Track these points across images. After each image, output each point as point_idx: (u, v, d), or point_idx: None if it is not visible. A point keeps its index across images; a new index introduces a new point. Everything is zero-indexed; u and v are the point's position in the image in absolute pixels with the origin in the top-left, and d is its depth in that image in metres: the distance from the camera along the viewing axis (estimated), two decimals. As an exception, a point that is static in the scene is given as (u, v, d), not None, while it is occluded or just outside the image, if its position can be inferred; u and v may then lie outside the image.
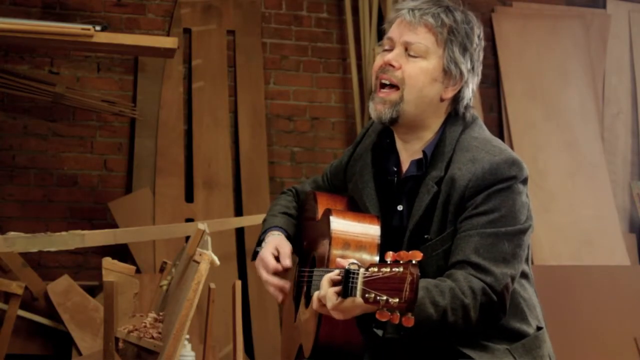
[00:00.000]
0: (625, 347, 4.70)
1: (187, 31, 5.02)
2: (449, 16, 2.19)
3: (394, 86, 2.20)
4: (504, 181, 2.12)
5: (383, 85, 2.21)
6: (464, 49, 2.20)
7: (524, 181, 2.17)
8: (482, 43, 2.27)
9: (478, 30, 2.24)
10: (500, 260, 2.09)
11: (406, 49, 2.19)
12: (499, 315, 2.12)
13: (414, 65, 2.18)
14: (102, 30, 3.97)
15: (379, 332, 2.07)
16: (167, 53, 4.10)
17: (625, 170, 5.58)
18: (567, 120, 5.37)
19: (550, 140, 5.32)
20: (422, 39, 2.18)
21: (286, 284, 2.33)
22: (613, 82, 5.61)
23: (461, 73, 2.20)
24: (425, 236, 2.17)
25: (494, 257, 2.09)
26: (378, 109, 2.21)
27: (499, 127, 5.35)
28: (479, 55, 2.26)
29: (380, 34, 5.10)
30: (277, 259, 2.32)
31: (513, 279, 2.12)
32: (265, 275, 2.32)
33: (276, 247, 2.34)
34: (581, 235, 5.19)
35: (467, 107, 2.25)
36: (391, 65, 2.19)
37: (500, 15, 5.47)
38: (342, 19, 5.24)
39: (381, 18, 5.06)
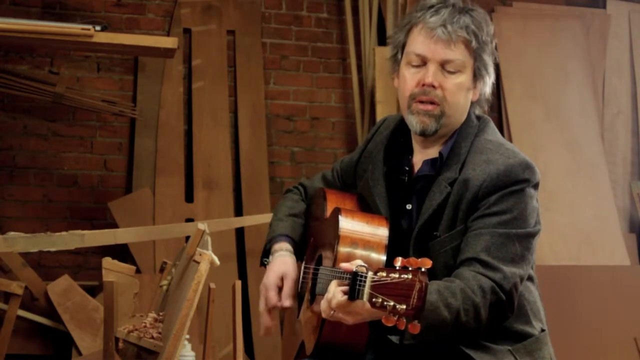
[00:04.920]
0: (625, 347, 4.70)
1: (187, 31, 5.02)
2: (475, 23, 2.21)
3: (434, 103, 2.21)
4: (517, 183, 2.15)
5: (422, 101, 2.22)
6: (490, 51, 2.26)
7: (536, 186, 2.19)
8: None
9: (491, 24, 2.28)
10: (509, 260, 2.11)
11: (442, 65, 2.20)
12: (507, 315, 2.13)
13: (452, 83, 2.20)
14: (102, 30, 3.97)
15: (394, 339, 2.07)
16: (167, 53, 4.10)
17: (625, 170, 5.58)
18: (567, 120, 5.37)
19: (550, 140, 5.31)
20: (458, 54, 2.20)
21: (275, 327, 2.36)
22: (613, 82, 5.60)
23: (488, 74, 2.27)
24: (434, 233, 2.18)
25: (504, 257, 2.10)
26: (424, 121, 2.21)
27: (499, 127, 5.26)
28: None
29: (380, 34, 5.13)
30: (281, 288, 2.32)
31: (521, 279, 2.13)
32: (262, 308, 2.35)
33: (282, 276, 2.33)
34: (581, 235, 5.18)
35: (487, 101, 2.30)
36: (432, 86, 2.20)
37: (500, 15, 5.47)
38: (342, 19, 5.24)
39: (381, 18, 5.06)
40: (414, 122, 2.22)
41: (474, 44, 2.20)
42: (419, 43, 2.22)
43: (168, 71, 4.92)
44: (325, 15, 5.26)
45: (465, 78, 2.22)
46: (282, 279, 2.33)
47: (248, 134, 5.02)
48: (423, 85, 2.20)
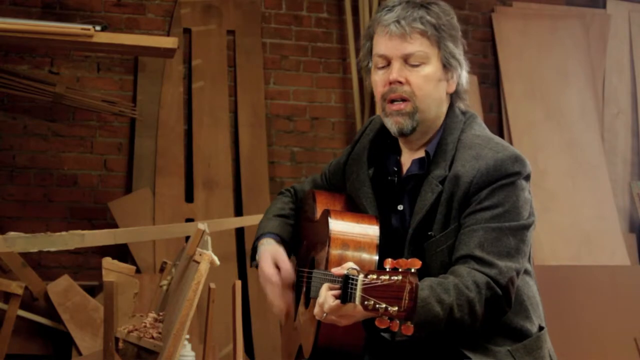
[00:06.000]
0: (625, 347, 4.70)
1: (187, 31, 5.02)
2: (431, 14, 2.20)
3: (405, 99, 2.21)
4: (507, 177, 2.14)
5: (393, 100, 2.21)
6: (454, 39, 2.23)
7: (527, 177, 2.18)
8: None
9: (454, 15, 2.27)
10: (504, 255, 2.10)
11: (405, 61, 2.20)
12: (504, 309, 2.12)
13: (418, 75, 2.19)
14: (102, 30, 3.97)
15: (387, 336, 2.07)
16: (167, 53, 4.10)
17: (625, 170, 5.58)
18: (567, 120, 5.37)
19: (550, 140, 5.32)
20: (418, 46, 2.19)
21: (291, 308, 2.35)
22: (613, 82, 5.61)
23: (459, 62, 2.23)
24: (429, 233, 2.17)
25: (498, 251, 2.10)
26: (399, 121, 2.21)
27: (499, 127, 5.35)
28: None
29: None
30: (279, 268, 2.33)
31: (518, 273, 2.13)
32: (271, 297, 2.34)
33: (274, 259, 2.34)
34: (581, 235, 5.18)
35: (465, 92, 2.28)
36: (398, 82, 2.19)
37: (500, 15, 5.48)
38: (342, 19, 5.24)
39: (381, 18, 5.06)
40: (389, 124, 2.23)
41: (430, 33, 2.19)
42: (378, 44, 2.23)
43: (168, 71, 4.92)
44: (325, 15, 5.26)
45: (431, 69, 2.20)
46: (275, 263, 2.33)
47: (248, 134, 5.02)
48: (390, 83, 2.20)
